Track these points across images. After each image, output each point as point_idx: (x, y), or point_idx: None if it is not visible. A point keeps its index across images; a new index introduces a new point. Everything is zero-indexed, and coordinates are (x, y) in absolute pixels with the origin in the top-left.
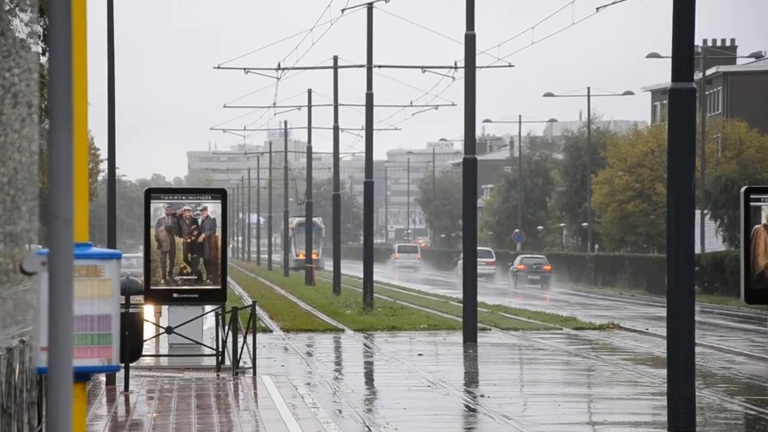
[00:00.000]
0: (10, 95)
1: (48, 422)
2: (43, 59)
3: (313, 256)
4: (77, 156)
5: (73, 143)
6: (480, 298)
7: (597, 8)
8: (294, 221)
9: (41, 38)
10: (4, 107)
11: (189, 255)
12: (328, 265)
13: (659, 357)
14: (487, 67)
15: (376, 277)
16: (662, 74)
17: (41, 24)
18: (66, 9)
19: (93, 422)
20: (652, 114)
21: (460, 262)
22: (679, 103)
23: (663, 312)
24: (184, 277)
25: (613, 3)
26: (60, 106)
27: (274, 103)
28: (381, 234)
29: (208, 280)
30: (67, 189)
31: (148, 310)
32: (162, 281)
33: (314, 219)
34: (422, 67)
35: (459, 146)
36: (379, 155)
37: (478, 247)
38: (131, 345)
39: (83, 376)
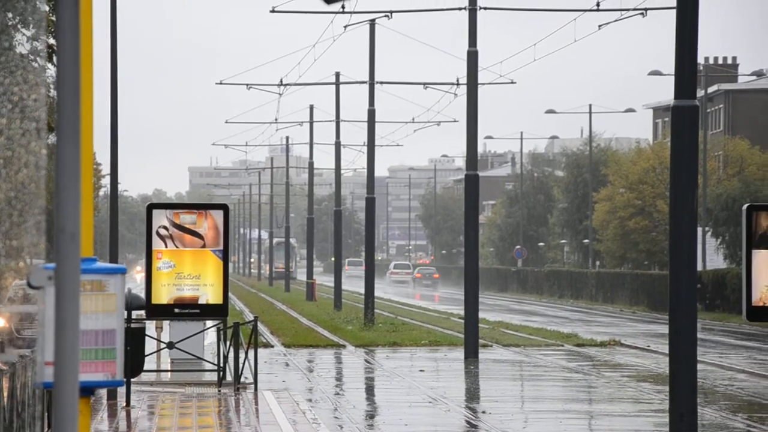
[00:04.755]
0: (18, 110)
1: None
2: (50, 74)
3: (282, 268)
4: (83, 171)
5: (80, 158)
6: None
7: (599, 26)
8: (274, 241)
9: (48, 54)
10: (11, 122)
11: None
12: (300, 274)
13: (661, 374)
14: (489, 83)
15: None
16: (664, 92)
17: (46, 39)
18: (74, 25)
19: None
20: (654, 131)
21: (389, 272)
22: (682, 120)
23: (664, 329)
24: None
25: (615, 21)
26: (67, 121)
27: (276, 119)
28: (382, 250)
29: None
30: (73, 203)
31: (150, 326)
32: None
33: (283, 239)
34: (424, 84)
35: (460, 162)
36: (380, 171)
37: (399, 261)
38: (133, 360)
39: (88, 390)
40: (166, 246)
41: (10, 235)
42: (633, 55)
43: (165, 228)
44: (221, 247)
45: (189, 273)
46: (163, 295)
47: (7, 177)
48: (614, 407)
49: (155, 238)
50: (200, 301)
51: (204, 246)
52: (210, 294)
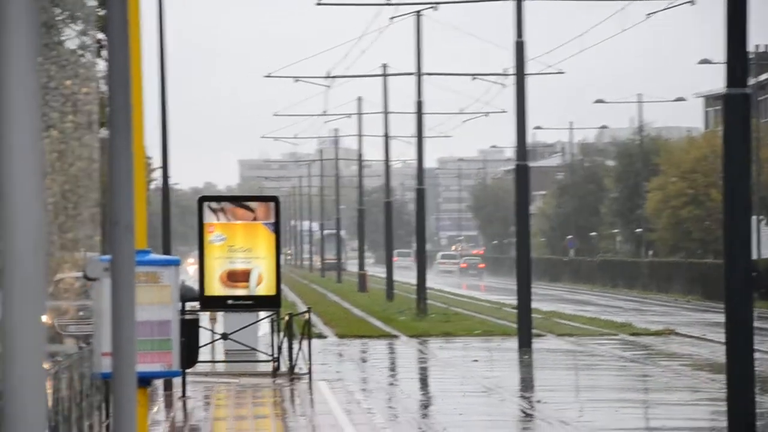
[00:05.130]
0: (70, 103)
1: (114, 429)
2: (100, 68)
3: (333, 259)
4: (135, 164)
5: (132, 150)
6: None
7: (647, 14)
8: (324, 233)
9: (97, 49)
10: (64, 116)
11: None
12: (350, 265)
13: (717, 363)
14: (538, 74)
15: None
16: (714, 80)
17: (95, 34)
18: (123, 19)
19: (152, 428)
20: (705, 120)
21: (436, 263)
22: (734, 108)
23: (720, 318)
24: None
25: (664, 9)
26: (119, 114)
27: (325, 111)
28: (432, 241)
29: None
30: (127, 196)
31: (203, 317)
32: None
33: (333, 231)
34: (472, 75)
35: (510, 153)
36: (429, 162)
37: (446, 252)
38: (188, 351)
39: (145, 381)
40: (218, 219)
41: (66, 227)
42: (682, 44)
43: (217, 201)
44: (273, 220)
45: (241, 246)
46: (215, 269)
47: (62, 170)
48: (671, 396)
49: (207, 213)
50: (252, 275)
51: (255, 219)
52: (262, 267)
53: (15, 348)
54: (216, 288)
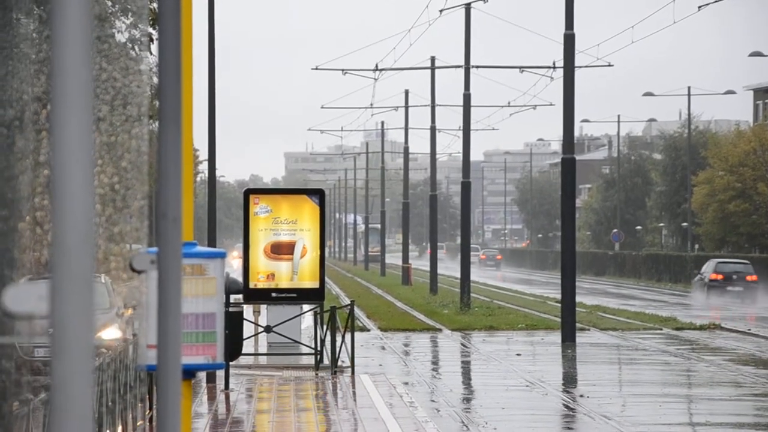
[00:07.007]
0: (120, 96)
1: (158, 420)
2: (150, 61)
3: (376, 251)
4: (184, 156)
5: (181, 142)
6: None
7: (699, 7)
8: (367, 226)
9: (148, 42)
10: (114, 109)
11: None
12: (389, 258)
13: (762, 358)
14: (586, 66)
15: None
16: (765, 73)
17: (146, 28)
18: (175, 14)
19: (194, 420)
20: (755, 113)
21: (460, 254)
22: None
23: (766, 312)
24: None
25: (715, 2)
26: (169, 107)
27: (372, 104)
28: (478, 234)
29: None
30: (175, 188)
31: (247, 310)
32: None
33: (377, 226)
34: (520, 67)
35: (556, 146)
36: (476, 155)
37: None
38: (231, 344)
39: (189, 373)
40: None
41: (113, 220)
42: (733, 37)
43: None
44: (317, 194)
45: (286, 218)
46: (260, 241)
47: (111, 162)
48: (714, 391)
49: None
50: (296, 247)
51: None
52: (307, 239)
53: (63, 341)
54: (260, 260)
